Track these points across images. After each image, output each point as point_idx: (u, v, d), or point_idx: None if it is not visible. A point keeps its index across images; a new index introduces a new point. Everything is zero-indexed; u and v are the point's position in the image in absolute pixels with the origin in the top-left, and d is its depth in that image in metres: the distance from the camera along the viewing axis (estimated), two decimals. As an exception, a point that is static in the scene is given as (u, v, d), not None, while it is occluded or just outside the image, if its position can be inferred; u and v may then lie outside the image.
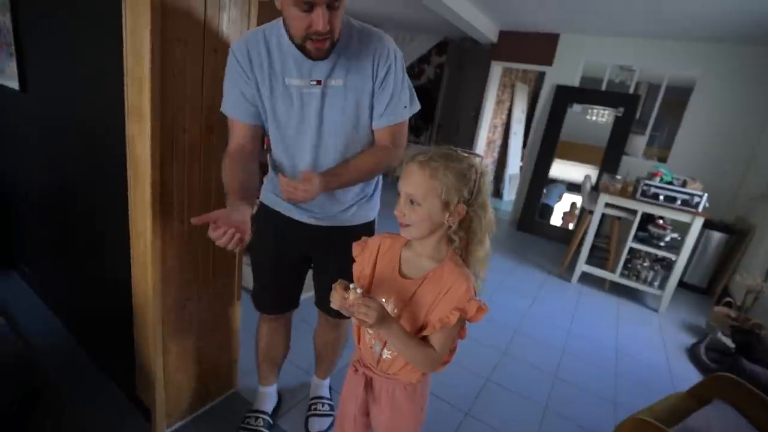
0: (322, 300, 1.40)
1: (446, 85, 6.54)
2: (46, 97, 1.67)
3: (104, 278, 1.59)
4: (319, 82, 1.05)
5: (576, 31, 4.48)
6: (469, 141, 5.64)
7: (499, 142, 6.44)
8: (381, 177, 1.32)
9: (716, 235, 3.66)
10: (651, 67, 4.33)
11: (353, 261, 1.01)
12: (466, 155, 0.85)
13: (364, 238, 1.01)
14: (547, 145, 4.83)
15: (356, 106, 1.09)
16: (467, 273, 0.86)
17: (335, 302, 0.82)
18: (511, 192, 6.30)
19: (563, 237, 4.72)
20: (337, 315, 1.39)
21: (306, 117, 1.08)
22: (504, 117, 6.29)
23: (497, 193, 6.61)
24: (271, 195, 1.28)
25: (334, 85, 1.06)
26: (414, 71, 6.63)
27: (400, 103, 1.12)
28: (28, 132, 1.89)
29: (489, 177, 0.88)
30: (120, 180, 1.27)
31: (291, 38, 1.00)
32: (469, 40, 5.22)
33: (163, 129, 1.15)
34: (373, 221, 1.35)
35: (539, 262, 3.97)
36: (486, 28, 4.56)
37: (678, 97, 4.24)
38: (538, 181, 4.94)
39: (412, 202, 0.83)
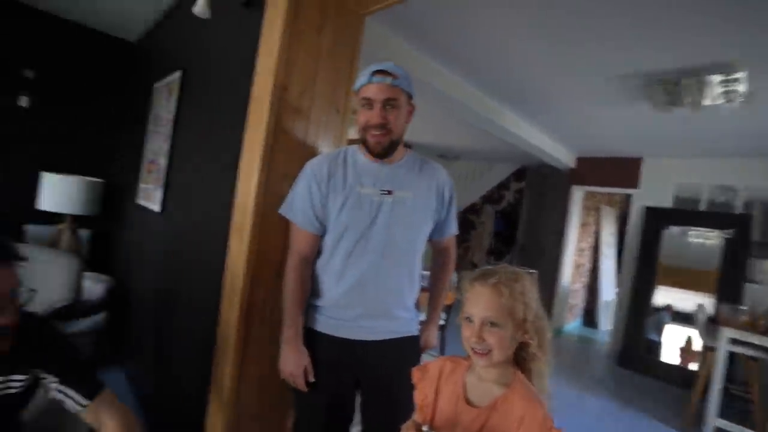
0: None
1: (527, 209, 6.58)
2: (173, 216, 2.07)
3: (185, 379, 1.69)
4: (389, 192, 1.20)
5: (660, 155, 4.41)
6: (554, 264, 5.39)
7: (588, 266, 6.04)
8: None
9: None
10: (756, 185, 3.99)
11: (409, 381, 0.97)
12: (521, 270, 0.86)
13: (424, 362, 0.98)
14: (645, 270, 4.41)
15: (422, 217, 1.25)
16: (539, 398, 0.79)
17: None
18: (607, 321, 5.65)
19: (681, 379, 3.95)
20: None
21: (376, 221, 1.19)
22: (591, 240, 6.00)
23: (591, 322, 5.96)
24: (324, 318, 1.22)
25: (403, 196, 1.21)
26: (494, 197, 6.85)
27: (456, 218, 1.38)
28: (155, 243, 2.28)
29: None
30: (216, 287, 1.46)
31: (360, 133, 1.19)
32: (547, 166, 5.38)
33: (260, 246, 1.35)
34: (419, 335, 1.32)
35: (652, 409, 3.31)
36: (563, 155, 4.72)
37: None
38: (639, 309, 4.40)
39: (492, 324, 0.81)
